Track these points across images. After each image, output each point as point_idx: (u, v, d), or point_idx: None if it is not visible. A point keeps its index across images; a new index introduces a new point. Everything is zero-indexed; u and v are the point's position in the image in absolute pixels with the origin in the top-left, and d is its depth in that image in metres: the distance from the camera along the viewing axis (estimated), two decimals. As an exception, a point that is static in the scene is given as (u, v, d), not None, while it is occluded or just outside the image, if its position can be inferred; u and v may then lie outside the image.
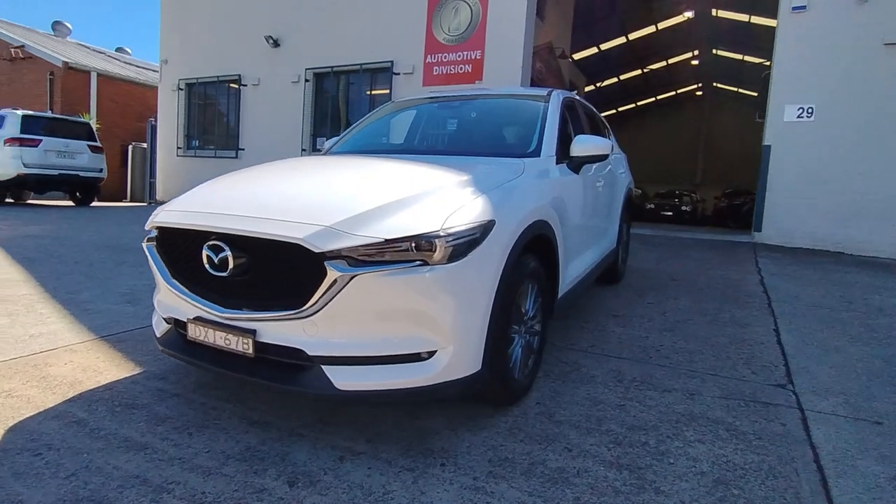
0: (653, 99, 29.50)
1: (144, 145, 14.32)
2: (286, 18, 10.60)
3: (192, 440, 1.88)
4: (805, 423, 2.15)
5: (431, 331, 1.73)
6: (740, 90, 25.29)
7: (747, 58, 20.63)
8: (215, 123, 12.03)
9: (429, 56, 9.09)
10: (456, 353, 1.76)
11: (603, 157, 2.88)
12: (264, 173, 2.36)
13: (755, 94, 21.48)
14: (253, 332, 1.80)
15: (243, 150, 11.41)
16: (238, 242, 1.79)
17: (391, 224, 1.71)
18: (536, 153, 2.62)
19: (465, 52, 8.74)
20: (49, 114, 10.59)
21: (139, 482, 1.62)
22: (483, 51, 8.58)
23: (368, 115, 3.49)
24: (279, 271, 1.77)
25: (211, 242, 1.82)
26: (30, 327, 3.01)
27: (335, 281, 1.66)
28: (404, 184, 2.02)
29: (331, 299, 1.67)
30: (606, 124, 4.52)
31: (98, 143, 10.66)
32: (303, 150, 10.41)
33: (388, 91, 9.50)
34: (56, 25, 23.05)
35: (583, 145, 2.76)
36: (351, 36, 9.82)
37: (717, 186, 22.66)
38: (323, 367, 1.73)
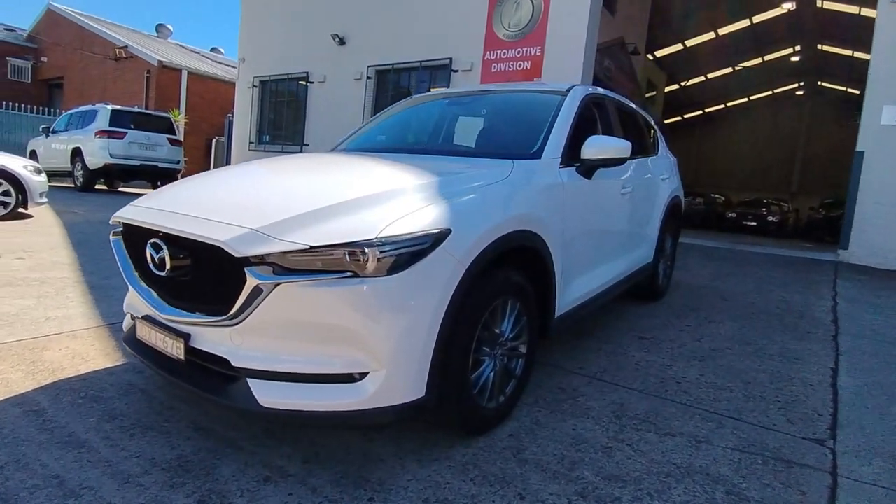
0: (746, 99, 27.25)
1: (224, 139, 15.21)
2: (352, 16, 10.76)
3: (130, 442, 1.82)
4: (833, 494, 1.75)
5: (361, 351, 1.55)
6: (849, 89, 22.74)
7: (858, 54, 18.49)
8: (284, 119, 12.49)
9: (488, 53, 8.85)
10: (389, 377, 1.56)
11: (620, 162, 2.55)
12: (238, 172, 2.28)
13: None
14: (187, 337, 1.71)
15: (307, 145, 11.76)
16: (174, 242, 1.70)
17: (325, 229, 1.55)
18: (537, 155, 2.35)
19: (525, 49, 8.41)
20: (135, 108, 11.47)
21: (55, 483, 1.57)
22: (543, 47, 8.22)
23: (383, 112, 3.36)
24: (209, 274, 1.67)
25: (152, 241, 1.76)
26: (50, 310, 3.15)
27: (256, 289, 1.52)
28: (363, 186, 1.86)
29: (254, 308, 1.54)
30: (652, 126, 4.09)
31: (177, 137, 11.41)
32: (362, 146, 10.54)
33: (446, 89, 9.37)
34: (159, 28, 25.10)
35: (595, 147, 2.45)
36: (412, 33, 9.79)
37: (815, 196, 20.56)
38: (249, 380, 1.60)
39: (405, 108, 3.27)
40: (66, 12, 20.74)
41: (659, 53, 19.91)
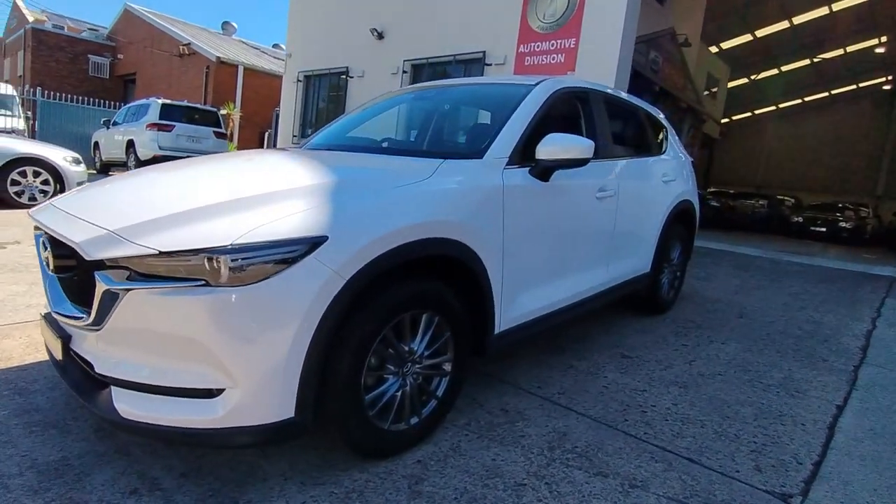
0: (825, 94, 25.02)
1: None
2: (391, 10, 10.72)
3: (27, 440, 1.80)
4: (770, 569, 1.46)
5: (212, 366, 1.43)
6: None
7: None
8: (326, 113, 12.67)
9: (521, 46, 8.53)
10: (245, 396, 1.44)
11: (580, 162, 2.28)
12: (164, 171, 2.20)
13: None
14: (67, 338, 1.66)
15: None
16: (55, 242, 1.66)
17: (182, 234, 1.44)
18: (479, 155, 2.14)
19: (559, 41, 8.03)
20: (184, 103, 11.99)
21: (-74, 479, 1.57)
22: (578, 39, 7.81)
23: (358, 107, 3.22)
24: (79, 276, 1.61)
25: (42, 239, 1.72)
26: (36, 297, 3.26)
27: (109, 293, 1.44)
28: (255, 187, 1.72)
29: (108, 313, 1.46)
30: (660, 123, 3.72)
31: (222, 130, 11.84)
32: (397, 141, 10.50)
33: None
34: (225, 25, 26.24)
35: (551, 147, 2.21)
36: (446, 27, 9.61)
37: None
38: (113, 388, 1.52)
39: (376, 103, 3.12)
40: (140, 12, 22.08)
41: (725, 45, 18.65)
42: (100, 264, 1.46)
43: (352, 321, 1.61)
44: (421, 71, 10.29)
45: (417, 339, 1.85)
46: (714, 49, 17.90)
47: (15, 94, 14.24)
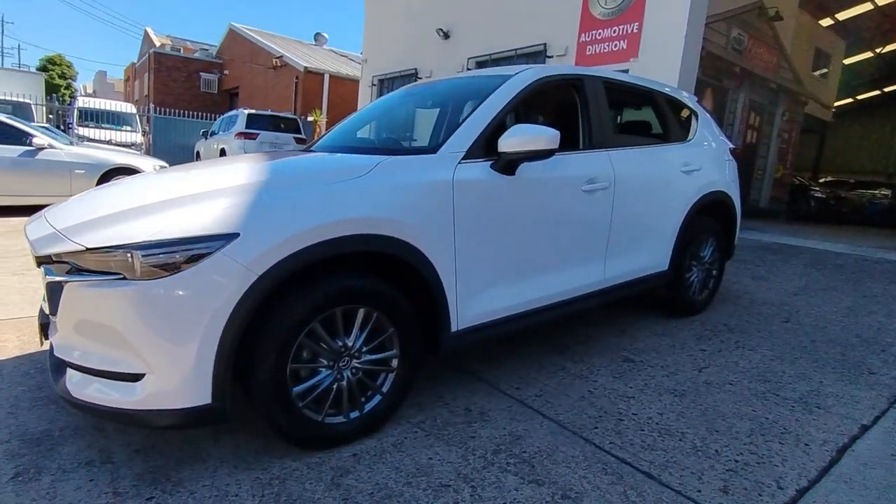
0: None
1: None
2: (456, 9, 10.78)
3: (28, 413, 2.06)
4: None
5: (130, 352, 1.56)
6: None
7: None
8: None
9: (583, 35, 8.19)
10: (159, 381, 1.56)
11: (546, 154, 2.17)
12: (150, 175, 2.42)
13: None
14: (45, 324, 1.88)
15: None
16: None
17: (109, 232, 1.59)
18: (433, 150, 2.12)
19: (622, 27, 7.60)
20: (268, 112, 12.92)
21: (-62, 440, 1.86)
22: (641, 23, 7.35)
23: (366, 106, 3.29)
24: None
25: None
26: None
27: (53, 285, 1.62)
28: (193, 187, 1.83)
29: (57, 303, 1.65)
30: (686, 106, 3.40)
31: (302, 136, 12.60)
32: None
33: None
34: (317, 36, 27.93)
35: (512, 139, 2.12)
36: (508, 21, 9.48)
37: None
38: (68, 370, 1.71)
39: (379, 101, 3.18)
40: (242, 30, 24.13)
41: (841, 16, 16.48)
42: (49, 259, 1.65)
43: (274, 314, 1.67)
44: (485, 67, 10.25)
45: (353, 334, 1.87)
46: (826, 21, 15.92)
47: (135, 112, 16.20)
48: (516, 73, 2.48)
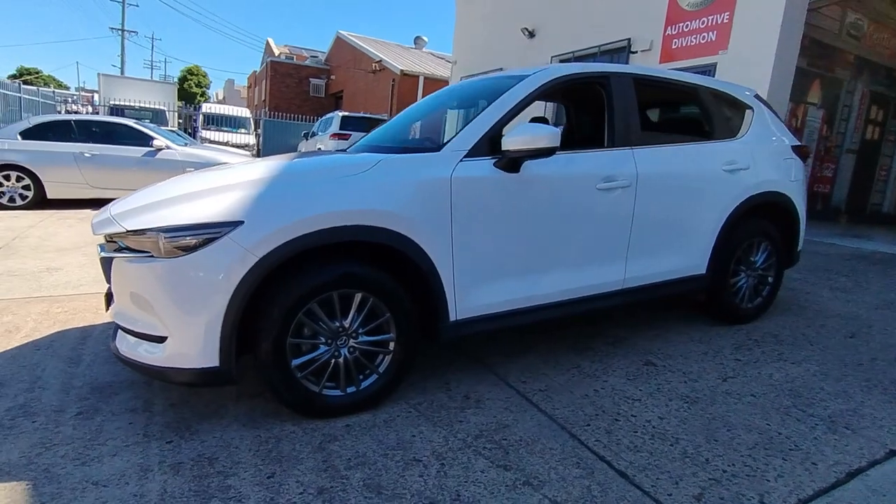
0: None
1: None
2: (542, 7, 10.69)
3: (102, 367, 2.51)
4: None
5: (156, 318, 1.87)
6: None
7: None
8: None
9: (669, 28, 7.77)
10: (177, 344, 1.85)
11: (547, 152, 2.21)
12: (205, 170, 2.76)
13: None
14: (110, 295, 2.28)
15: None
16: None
17: (147, 218, 1.91)
18: (436, 148, 2.24)
19: (711, 17, 7.11)
20: (361, 114, 13.65)
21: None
22: (732, 12, 6.82)
23: (407, 109, 3.47)
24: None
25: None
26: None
27: (103, 260, 1.99)
28: (221, 182, 2.11)
29: (109, 276, 2.01)
30: (736, 101, 3.16)
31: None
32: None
33: (622, 72, 8.59)
34: (416, 39, 28.86)
35: (514, 137, 2.20)
36: (591, 18, 9.23)
37: None
38: (119, 332, 2.08)
39: (419, 104, 3.34)
40: (347, 37, 25.63)
41: None
42: (104, 239, 2.02)
43: (276, 293, 1.91)
44: (567, 65, 10.07)
45: (350, 317, 2.06)
46: None
47: (249, 116, 17.90)
48: (532, 74, 2.52)
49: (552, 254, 2.46)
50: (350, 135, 12.32)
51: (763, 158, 3.10)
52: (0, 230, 5.48)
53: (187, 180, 2.36)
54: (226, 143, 15.16)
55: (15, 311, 3.20)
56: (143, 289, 1.88)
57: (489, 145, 2.28)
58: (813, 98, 8.21)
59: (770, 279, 3.31)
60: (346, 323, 2.06)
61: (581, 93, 2.59)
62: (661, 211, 2.73)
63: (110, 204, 2.31)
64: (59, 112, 16.92)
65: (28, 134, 6.73)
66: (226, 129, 16.85)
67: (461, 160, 2.21)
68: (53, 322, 3.06)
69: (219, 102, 49.94)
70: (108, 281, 2.07)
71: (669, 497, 1.70)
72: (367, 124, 12.81)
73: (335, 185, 2.03)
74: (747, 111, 3.20)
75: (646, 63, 8.14)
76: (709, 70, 7.14)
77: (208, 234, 1.81)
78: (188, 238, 1.81)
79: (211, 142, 15.44)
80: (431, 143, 2.32)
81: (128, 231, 1.89)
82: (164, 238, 1.81)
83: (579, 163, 2.49)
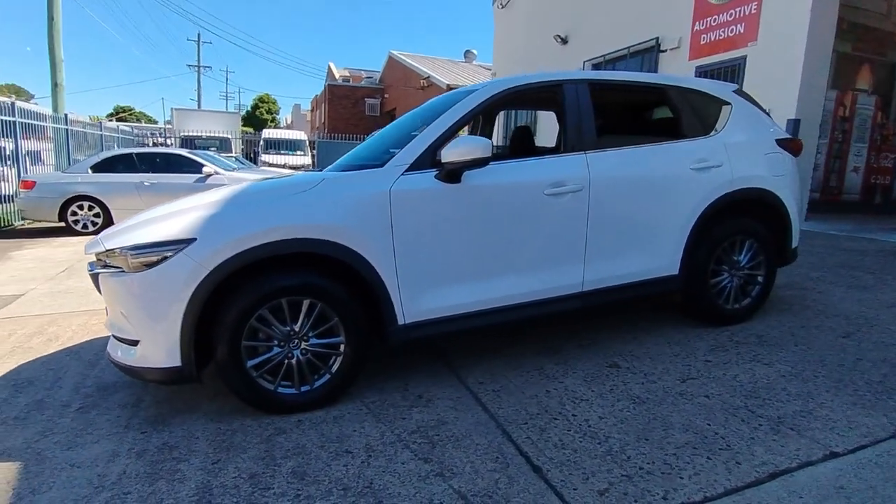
0: None
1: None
2: (573, 14, 10.66)
3: (111, 368, 2.88)
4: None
5: (130, 325, 2.16)
6: None
7: None
8: (513, 126, 13.23)
9: (697, 23, 7.53)
10: (145, 346, 2.14)
11: (482, 162, 2.34)
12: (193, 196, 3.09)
13: None
14: (111, 305, 2.63)
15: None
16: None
17: (122, 238, 2.22)
18: (382, 164, 2.43)
19: (739, 9, 6.83)
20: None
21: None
22: (760, 2, 6.53)
23: (382, 129, 3.64)
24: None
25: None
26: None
27: (92, 276, 2.32)
28: (188, 204, 2.40)
29: (101, 290, 2.35)
30: (710, 97, 3.09)
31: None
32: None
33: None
34: (466, 54, 29.33)
35: (451, 150, 2.34)
36: (621, 21, 9.10)
37: None
38: (111, 337, 2.41)
39: (393, 123, 3.53)
40: (399, 56, 26.50)
41: None
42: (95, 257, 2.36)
43: (229, 300, 2.15)
44: (599, 69, 9.95)
45: (300, 321, 2.27)
46: None
47: (305, 138, 18.92)
48: (477, 89, 2.65)
49: (501, 259, 2.55)
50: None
51: (741, 154, 3.02)
52: (68, 253, 6.24)
53: (173, 204, 2.69)
54: (283, 165, 16.13)
55: (60, 322, 3.69)
56: (118, 299, 2.18)
57: (431, 159, 2.43)
58: (863, 84, 7.62)
59: (760, 278, 3.19)
60: (297, 327, 2.27)
61: (529, 102, 2.67)
62: (619, 213, 2.75)
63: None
64: (147, 145, 18.83)
65: (97, 167, 7.61)
66: (284, 151, 17.92)
67: (402, 174, 2.38)
68: (88, 332, 3.50)
69: (287, 127, 52.83)
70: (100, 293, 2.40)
71: (575, 491, 1.75)
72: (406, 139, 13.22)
73: (280, 202, 2.26)
74: (724, 107, 3.13)
75: (675, 61, 7.94)
76: (739, 64, 6.86)
77: (166, 250, 2.09)
78: (150, 255, 2.09)
79: (270, 164, 16.49)
80: (380, 159, 2.50)
81: (106, 250, 2.20)
82: (130, 255, 2.10)
83: (524, 170, 2.58)
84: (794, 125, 6.08)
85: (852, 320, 3.17)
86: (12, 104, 8.00)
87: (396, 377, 2.67)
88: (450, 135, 2.49)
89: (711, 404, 2.28)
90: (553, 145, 3.49)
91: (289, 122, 63.45)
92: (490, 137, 4.06)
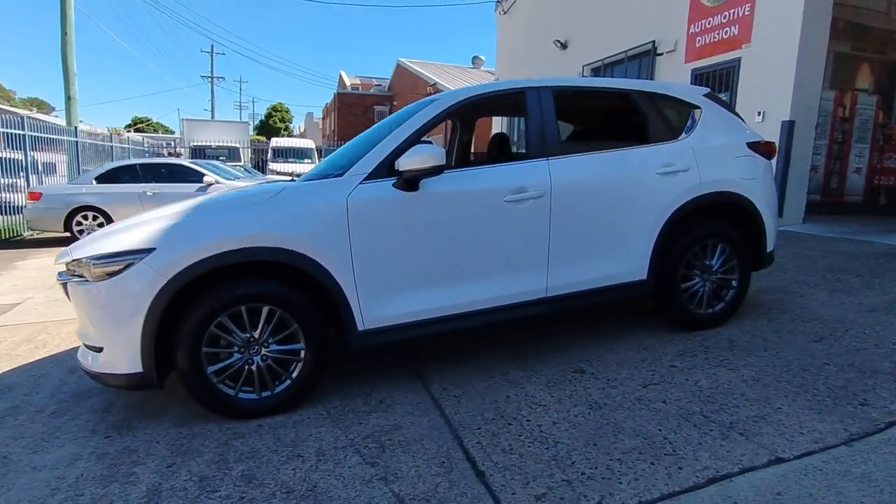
0: None
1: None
2: (573, 19, 10.67)
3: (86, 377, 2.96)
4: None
5: (95, 331, 2.24)
6: None
7: None
8: (520, 129, 13.24)
9: (692, 26, 7.49)
10: (108, 352, 2.21)
11: (436, 170, 2.38)
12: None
13: None
14: (87, 313, 2.72)
15: None
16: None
17: (88, 248, 2.30)
18: (342, 173, 2.48)
19: (732, 10, 6.78)
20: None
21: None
22: (753, 3, 6.48)
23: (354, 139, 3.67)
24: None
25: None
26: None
27: (62, 285, 2.40)
28: (154, 215, 2.47)
29: (70, 298, 2.43)
30: (678, 100, 3.09)
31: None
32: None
33: (648, 78, 8.35)
34: (474, 59, 29.46)
35: (407, 158, 2.38)
36: (619, 25, 9.09)
37: None
38: (81, 344, 2.49)
39: (365, 132, 3.56)
40: (406, 64, 26.71)
41: None
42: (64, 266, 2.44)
43: (189, 307, 2.21)
44: (598, 73, 9.95)
45: (260, 327, 2.32)
46: None
47: (313, 146, 19.13)
48: (437, 99, 2.69)
49: (461, 266, 2.58)
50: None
51: (709, 158, 3.01)
52: (71, 262, 6.40)
53: (139, 216, 2.77)
54: (291, 174, 16.33)
55: (51, 330, 3.80)
56: (83, 307, 2.26)
57: (390, 168, 2.47)
58: (863, 84, 7.50)
59: (734, 282, 3.17)
60: (256, 334, 2.32)
61: (492, 109, 2.70)
62: (583, 219, 2.76)
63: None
64: (163, 154, 19.25)
65: (102, 178, 7.81)
66: (292, 160, 18.13)
67: (360, 183, 2.43)
68: (75, 340, 3.59)
69: (300, 135, 53.38)
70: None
71: (513, 496, 1.77)
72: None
73: (238, 213, 2.32)
74: (694, 111, 3.13)
75: (671, 65, 7.91)
76: (733, 66, 6.82)
77: (127, 260, 2.16)
78: (111, 265, 2.17)
79: (278, 173, 16.70)
80: (344, 168, 2.54)
81: (73, 260, 2.28)
82: (93, 265, 2.18)
83: (484, 177, 2.62)
84: (788, 127, 6.02)
85: (828, 324, 3.13)
86: (22, 119, 8.26)
87: (363, 383, 2.71)
88: (409, 144, 2.52)
89: (667, 409, 2.28)
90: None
91: (302, 130, 64.19)
92: (469, 145, 4.11)
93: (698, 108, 3.14)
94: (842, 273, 4.20)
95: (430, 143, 2.77)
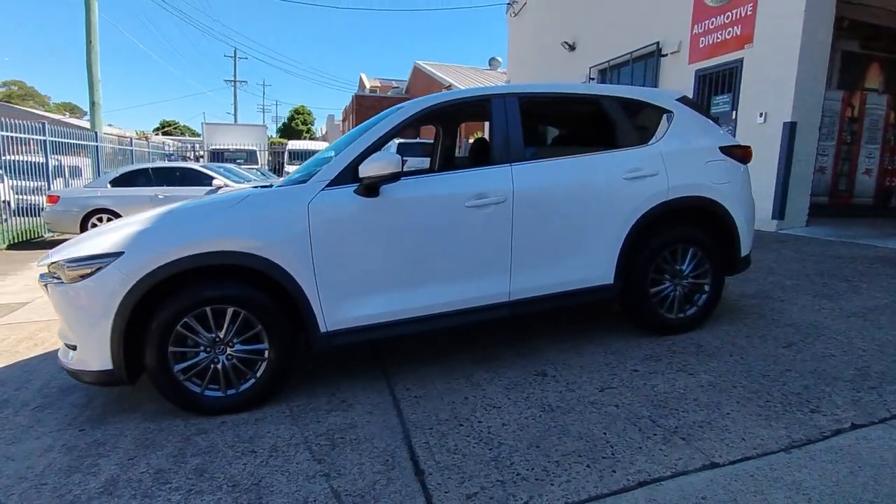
0: None
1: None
2: (581, 22, 10.62)
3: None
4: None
5: (70, 330, 2.37)
6: None
7: None
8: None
9: (696, 26, 7.40)
10: (81, 351, 2.34)
11: (394, 177, 2.46)
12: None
13: None
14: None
15: None
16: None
17: (66, 251, 2.44)
18: (306, 180, 2.57)
19: (735, 11, 6.69)
20: (415, 140, 14.35)
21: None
22: (755, 4, 6.38)
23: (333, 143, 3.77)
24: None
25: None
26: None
27: (43, 285, 2.55)
28: (132, 220, 2.60)
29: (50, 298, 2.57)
30: (647, 104, 3.09)
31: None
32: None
33: (653, 80, 8.27)
34: (491, 61, 29.44)
35: (365, 166, 2.46)
36: (625, 26, 9.02)
37: None
38: (62, 343, 2.63)
39: (341, 137, 3.66)
40: (423, 66, 26.85)
41: None
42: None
43: (157, 308, 2.33)
44: (604, 75, 9.90)
45: (225, 328, 2.42)
46: None
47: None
48: (404, 106, 2.76)
49: (423, 269, 2.64)
50: (406, 160, 12.97)
51: (679, 163, 3.01)
52: (83, 263, 6.67)
53: (117, 221, 2.91)
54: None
55: (52, 329, 3.99)
56: (60, 307, 2.40)
57: (352, 174, 2.55)
58: (872, 83, 7.30)
59: (706, 287, 3.16)
60: (222, 334, 2.43)
61: (456, 116, 2.76)
62: (546, 224, 2.79)
63: None
64: (189, 158, 19.79)
65: (116, 182, 8.10)
66: (308, 162, 18.43)
67: (322, 189, 2.51)
68: (72, 337, 3.78)
69: (322, 137, 54.08)
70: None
71: (445, 494, 1.83)
72: (421, 149, 13.43)
73: (203, 219, 2.43)
74: (665, 116, 3.13)
75: (675, 66, 7.84)
76: (736, 66, 6.72)
77: (98, 263, 2.29)
78: (84, 267, 2.30)
79: (294, 175, 17.01)
80: (310, 175, 2.63)
81: (51, 262, 2.42)
82: (67, 268, 2.31)
83: (445, 183, 2.68)
84: (790, 128, 5.91)
85: (801, 330, 3.09)
86: (43, 125, 8.62)
87: (330, 383, 2.79)
88: (372, 150, 2.60)
89: (617, 413, 2.31)
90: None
91: (324, 132, 65.01)
92: (453, 150, 4.17)
93: (670, 112, 3.15)
94: (831, 278, 4.13)
95: (392, 150, 2.84)
